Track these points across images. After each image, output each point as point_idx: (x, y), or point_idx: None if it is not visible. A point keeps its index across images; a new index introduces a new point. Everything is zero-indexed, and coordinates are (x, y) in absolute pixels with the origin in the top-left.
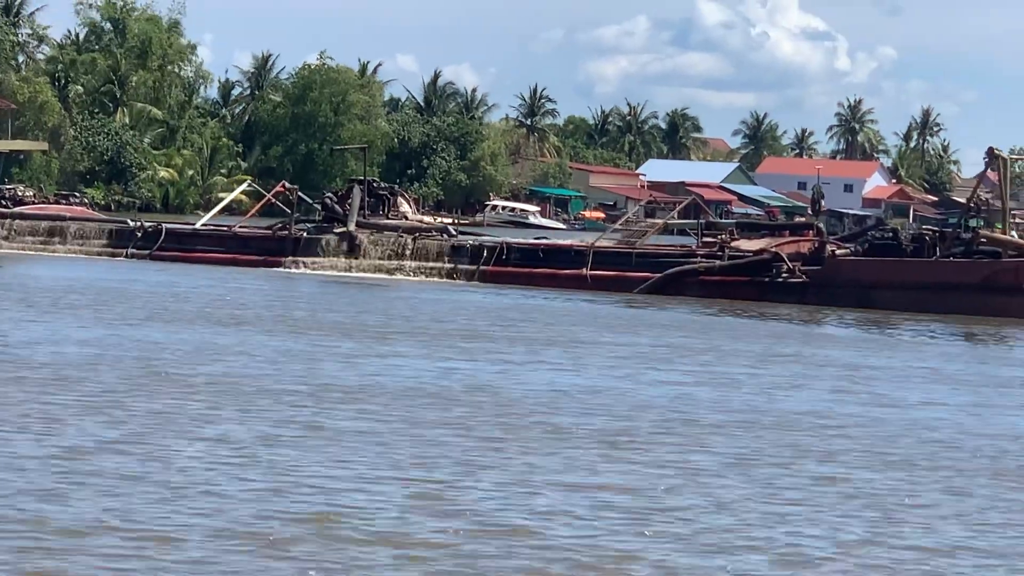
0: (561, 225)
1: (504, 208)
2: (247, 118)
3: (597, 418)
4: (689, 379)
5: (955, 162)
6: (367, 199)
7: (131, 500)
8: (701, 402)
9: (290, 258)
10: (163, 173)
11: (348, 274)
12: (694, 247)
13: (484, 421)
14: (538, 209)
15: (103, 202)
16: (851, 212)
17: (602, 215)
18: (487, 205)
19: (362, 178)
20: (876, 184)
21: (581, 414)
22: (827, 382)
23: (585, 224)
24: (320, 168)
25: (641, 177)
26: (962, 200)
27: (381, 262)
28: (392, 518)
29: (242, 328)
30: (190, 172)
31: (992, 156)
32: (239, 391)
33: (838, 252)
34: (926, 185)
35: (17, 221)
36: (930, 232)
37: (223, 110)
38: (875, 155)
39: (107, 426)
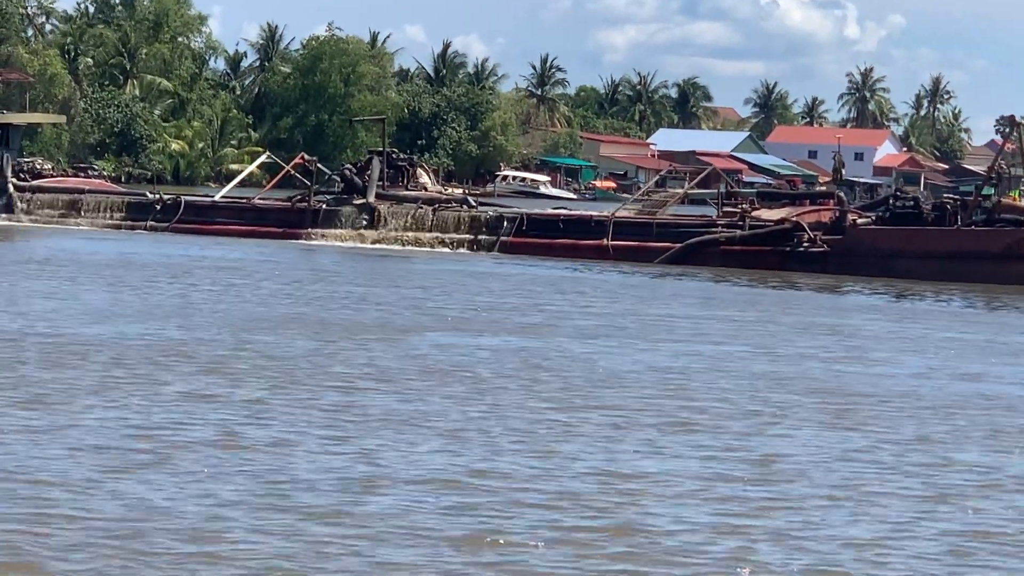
0: (571, 195)
1: (515, 178)
2: (257, 90)
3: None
4: (762, 353)
5: (966, 130)
6: (386, 170)
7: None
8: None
9: (309, 230)
10: (174, 145)
11: (368, 246)
12: (714, 217)
13: (592, 403)
14: (548, 179)
15: (114, 174)
16: (862, 180)
17: (613, 185)
18: (497, 175)
19: (381, 149)
20: (887, 152)
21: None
22: (912, 356)
23: (596, 194)
24: (331, 139)
25: (651, 147)
26: (973, 168)
27: (401, 233)
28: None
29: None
30: (200, 144)
31: (1013, 124)
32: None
33: (859, 221)
34: (937, 153)
35: (36, 194)
36: (951, 201)
37: (233, 82)
38: (886, 123)
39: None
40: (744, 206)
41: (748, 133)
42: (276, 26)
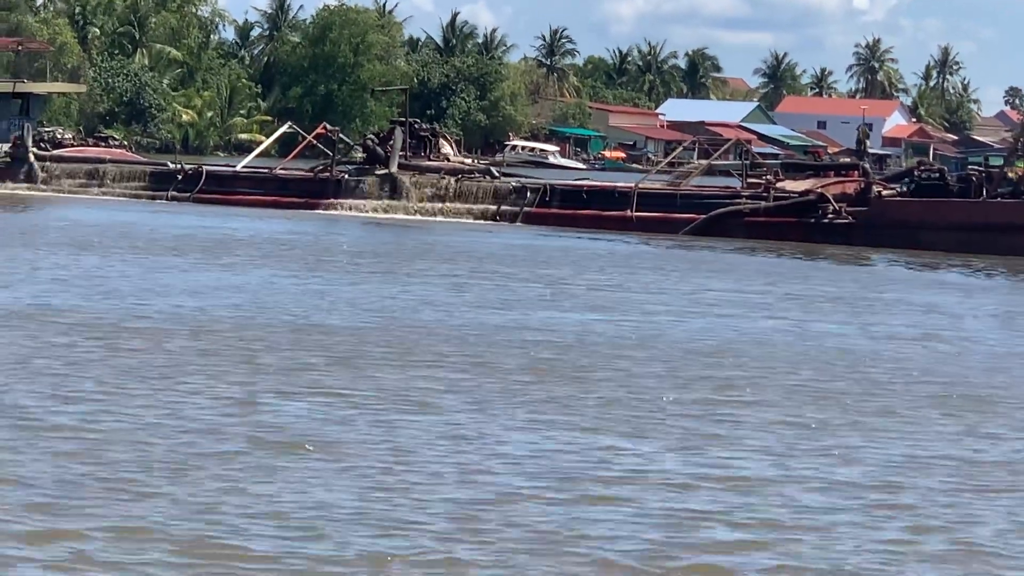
0: (580, 165)
1: (523, 148)
2: (266, 59)
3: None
4: (853, 330)
5: (975, 101)
6: (409, 141)
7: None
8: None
9: (331, 200)
10: (184, 116)
11: (390, 216)
12: (738, 188)
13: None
14: (557, 149)
15: (122, 144)
16: (871, 151)
17: (622, 155)
18: (506, 145)
19: (404, 119)
20: (896, 123)
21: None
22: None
23: (605, 164)
24: (340, 109)
25: (660, 117)
26: (982, 139)
27: (423, 204)
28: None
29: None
30: (209, 113)
31: None
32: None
33: (884, 193)
34: (946, 124)
35: (57, 164)
36: (976, 173)
37: (242, 51)
38: (894, 94)
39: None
40: (768, 177)
41: (757, 103)
42: None
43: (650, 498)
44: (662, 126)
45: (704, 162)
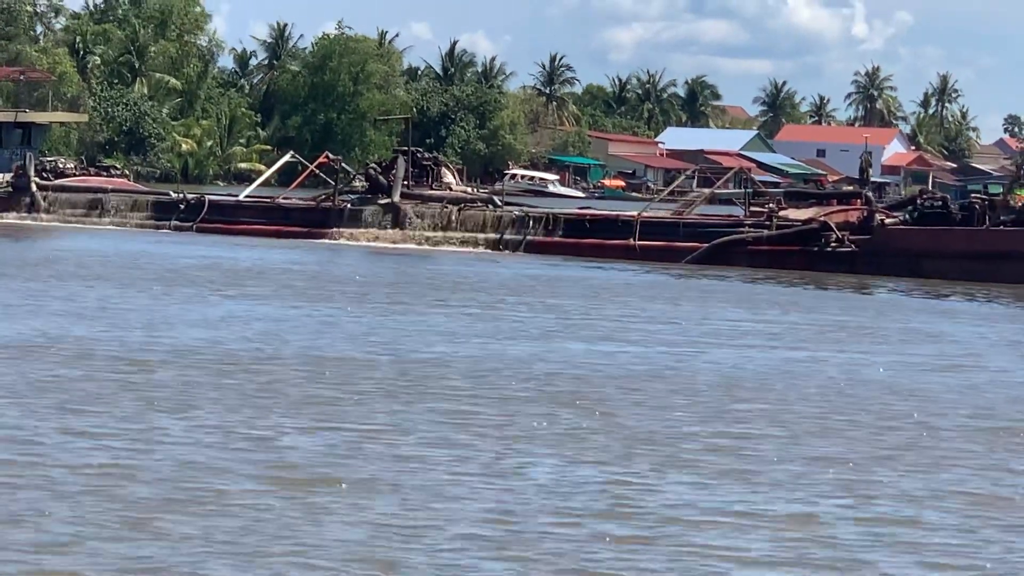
0: (580, 193)
1: (523, 177)
2: (265, 88)
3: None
4: (872, 360)
5: (974, 129)
6: (411, 169)
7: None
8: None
9: (335, 229)
10: (184, 145)
11: (393, 245)
12: (741, 217)
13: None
14: (557, 178)
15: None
16: (871, 179)
17: (622, 183)
18: (506, 174)
19: (406, 148)
20: (895, 151)
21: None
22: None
23: (604, 192)
24: (339, 138)
25: (660, 145)
26: (981, 167)
27: (426, 233)
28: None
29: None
30: (209, 142)
31: None
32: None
33: (887, 221)
34: (945, 152)
35: (59, 193)
36: (979, 200)
37: (241, 80)
38: (894, 122)
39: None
40: (771, 206)
41: (756, 132)
42: (285, 24)
43: (676, 533)
44: (661, 154)
45: (707, 191)
